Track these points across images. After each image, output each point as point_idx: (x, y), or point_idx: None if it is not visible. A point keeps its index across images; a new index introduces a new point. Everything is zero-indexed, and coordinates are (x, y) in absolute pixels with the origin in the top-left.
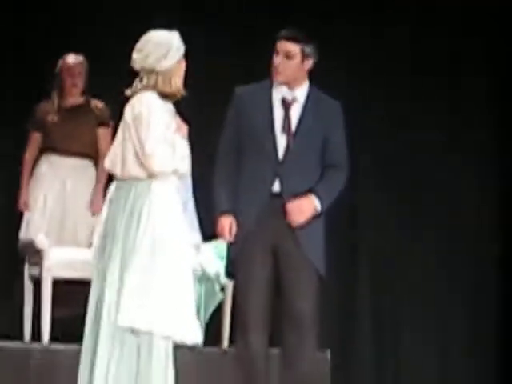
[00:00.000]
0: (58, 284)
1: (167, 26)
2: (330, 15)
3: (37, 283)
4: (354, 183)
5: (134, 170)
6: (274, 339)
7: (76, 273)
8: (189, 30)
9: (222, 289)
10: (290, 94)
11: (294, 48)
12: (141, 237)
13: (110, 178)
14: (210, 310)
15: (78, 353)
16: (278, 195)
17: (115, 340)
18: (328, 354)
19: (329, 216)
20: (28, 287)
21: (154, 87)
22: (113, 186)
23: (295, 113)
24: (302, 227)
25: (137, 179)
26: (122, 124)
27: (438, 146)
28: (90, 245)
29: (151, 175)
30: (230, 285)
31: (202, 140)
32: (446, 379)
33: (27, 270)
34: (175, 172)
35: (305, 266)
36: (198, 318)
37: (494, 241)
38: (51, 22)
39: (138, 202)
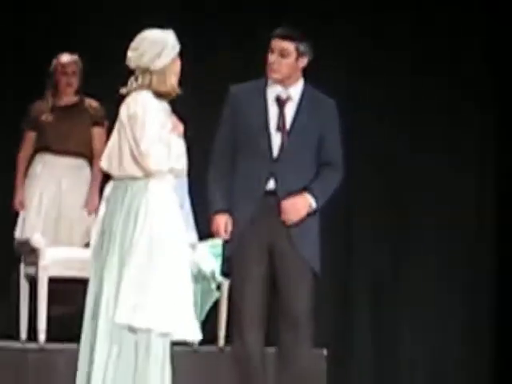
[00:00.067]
0: (54, 283)
1: (167, 26)
2: (330, 15)
3: (33, 282)
4: (352, 183)
5: (130, 169)
6: (269, 338)
7: (72, 272)
8: (189, 30)
9: (218, 287)
10: (285, 92)
11: (288, 46)
12: (138, 236)
13: (105, 178)
14: (207, 309)
15: (75, 352)
16: (273, 193)
17: (113, 337)
18: (324, 351)
19: (328, 216)
20: (24, 286)
21: (149, 86)
22: (109, 186)
23: (290, 111)
24: (297, 225)
25: (133, 178)
26: (117, 123)
27: (438, 146)
28: (85, 244)
29: (148, 174)
30: (225, 283)
31: (199, 139)
32: (445, 379)
33: (23, 269)
34: (171, 171)
35: (299, 264)
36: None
37: (494, 241)
38: (51, 22)
39: (135, 201)
